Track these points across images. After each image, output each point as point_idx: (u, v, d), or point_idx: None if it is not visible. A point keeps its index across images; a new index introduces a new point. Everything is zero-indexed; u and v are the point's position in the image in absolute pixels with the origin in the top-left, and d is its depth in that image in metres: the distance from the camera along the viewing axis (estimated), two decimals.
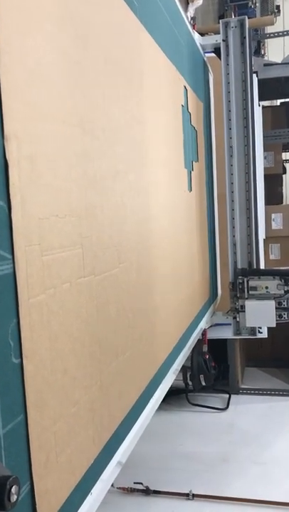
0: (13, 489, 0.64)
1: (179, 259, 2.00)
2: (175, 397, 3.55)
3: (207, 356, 3.62)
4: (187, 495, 2.35)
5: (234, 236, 2.81)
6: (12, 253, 0.74)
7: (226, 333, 3.07)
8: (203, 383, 3.67)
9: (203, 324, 2.63)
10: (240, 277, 2.74)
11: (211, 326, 2.98)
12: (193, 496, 2.35)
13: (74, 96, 0.98)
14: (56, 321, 0.87)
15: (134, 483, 2.42)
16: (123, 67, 1.30)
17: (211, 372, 3.69)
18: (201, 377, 3.65)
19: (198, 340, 2.85)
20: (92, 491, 1.00)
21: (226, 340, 3.83)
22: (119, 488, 2.51)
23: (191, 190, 2.28)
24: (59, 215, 0.89)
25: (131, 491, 2.43)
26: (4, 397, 0.70)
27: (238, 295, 2.76)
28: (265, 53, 7.24)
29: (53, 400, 0.84)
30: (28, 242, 0.78)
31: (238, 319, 2.80)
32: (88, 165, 1.04)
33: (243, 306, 2.74)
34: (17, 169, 0.76)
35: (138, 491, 2.42)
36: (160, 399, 1.60)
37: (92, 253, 1.04)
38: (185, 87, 2.20)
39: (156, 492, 2.41)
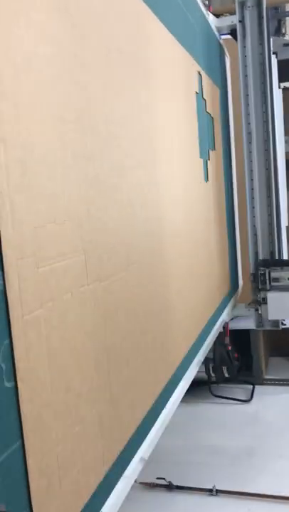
0: None
1: (197, 253, 1.92)
2: (198, 389, 3.49)
3: (229, 347, 3.55)
4: (211, 490, 2.29)
5: (254, 225, 2.70)
6: (1, 268, 0.67)
7: (249, 324, 3.00)
8: (226, 375, 3.60)
9: (224, 317, 2.56)
10: (261, 268, 2.65)
11: (232, 319, 2.90)
12: (217, 491, 2.29)
13: (70, 91, 0.91)
14: (56, 336, 0.81)
15: (157, 478, 2.38)
16: (129, 55, 1.22)
17: (234, 363, 3.62)
18: (224, 368, 3.59)
19: (221, 331, 2.79)
20: (102, 510, 0.95)
21: (248, 330, 3.75)
22: (142, 483, 2.47)
23: (207, 180, 2.19)
24: (56, 222, 0.83)
25: (153, 486, 2.39)
26: None
27: (260, 287, 2.67)
28: (285, 32, 7.00)
29: (54, 421, 0.79)
30: (20, 254, 0.72)
31: (260, 311, 2.72)
32: (89, 164, 0.97)
33: (265, 299, 2.65)
34: (5, 175, 0.69)
35: (161, 486, 2.39)
36: (182, 393, 1.57)
37: (97, 258, 0.98)
38: (199, 72, 2.10)
39: (179, 487, 2.37)
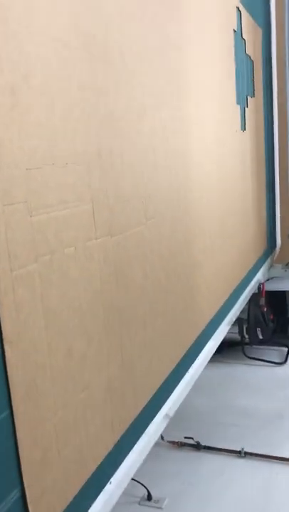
0: None
1: (230, 209, 1.78)
2: (231, 349, 3.42)
3: (265, 309, 3.44)
4: (239, 452, 2.24)
5: None
6: None
7: (286, 285, 2.86)
8: (261, 337, 3.51)
9: (259, 277, 2.43)
10: None
11: (268, 280, 2.77)
12: (245, 453, 2.23)
13: (76, 11, 0.77)
14: (55, 293, 0.72)
15: (185, 437, 2.35)
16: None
17: (269, 325, 3.51)
18: (258, 330, 3.49)
19: (255, 293, 2.67)
20: (111, 480, 0.88)
21: (285, 292, 3.60)
22: (170, 441, 2.45)
23: (244, 129, 2.01)
24: (56, 164, 0.72)
25: (181, 445, 2.36)
26: None
27: None
28: None
29: (52, 387, 0.71)
30: (8, 200, 0.62)
31: None
32: (99, 99, 0.84)
33: None
34: None
35: (188, 445, 2.36)
36: (211, 351, 1.53)
37: (108, 209, 0.87)
38: (238, 8, 1.89)
39: (207, 448, 2.33)
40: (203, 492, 1.87)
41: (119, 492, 0.90)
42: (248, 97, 2.09)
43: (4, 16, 0.62)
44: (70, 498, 0.75)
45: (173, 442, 2.50)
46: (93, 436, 0.82)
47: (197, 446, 2.38)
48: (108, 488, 0.87)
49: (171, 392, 1.22)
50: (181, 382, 1.28)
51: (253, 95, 2.17)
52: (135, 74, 0.98)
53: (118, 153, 0.91)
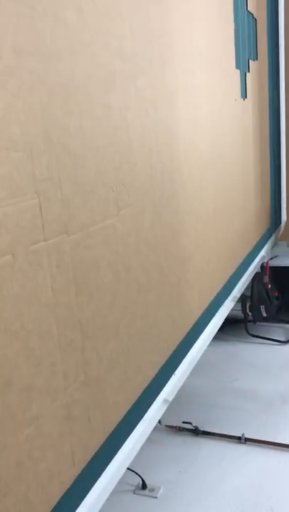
0: None
1: (227, 187, 1.61)
2: (233, 327, 3.32)
3: (269, 286, 3.33)
4: (239, 438, 2.16)
5: None
6: None
7: None
8: (264, 314, 3.41)
9: (263, 255, 2.28)
10: None
11: (272, 258, 2.62)
12: (246, 439, 2.15)
13: None
14: None
15: (183, 422, 2.27)
16: None
17: (274, 302, 3.41)
18: (262, 307, 3.39)
19: (258, 272, 2.54)
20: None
21: None
22: (167, 426, 2.37)
23: (245, 97, 1.82)
24: None
25: (179, 429, 2.28)
26: None
27: None
28: None
29: None
30: None
31: None
32: (48, 67, 0.67)
33: None
34: None
35: (186, 430, 2.28)
36: (214, 330, 1.48)
37: (62, 203, 0.71)
38: None
39: (206, 433, 2.25)
40: (200, 480, 1.80)
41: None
42: (250, 61, 1.88)
43: None
44: None
45: (171, 427, 2.41)
46: (46, 473, 0.69)
47: (195, 432, 2.29)
48: None
49: (170, 377, 1.16)
50: (181, 365, 1.22)
51: (255, 58, 1.96)
52: (99, 33, 0.80)
53: (76, 134, 0.75)
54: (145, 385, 1.02)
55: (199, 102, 1.32)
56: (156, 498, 1.73)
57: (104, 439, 0.85)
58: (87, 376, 0.79)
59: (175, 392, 1.17)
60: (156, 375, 1.07)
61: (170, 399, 1.13)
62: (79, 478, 0.77)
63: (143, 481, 1.69)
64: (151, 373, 1.05)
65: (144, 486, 1.66)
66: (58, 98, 0.70)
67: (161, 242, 1.07)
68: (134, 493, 1.74)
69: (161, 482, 1.80)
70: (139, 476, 1.72)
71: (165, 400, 1.13)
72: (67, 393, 0.74)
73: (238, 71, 1.72)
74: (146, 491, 1.69)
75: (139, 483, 1.68)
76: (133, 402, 0.96)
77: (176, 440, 2.28)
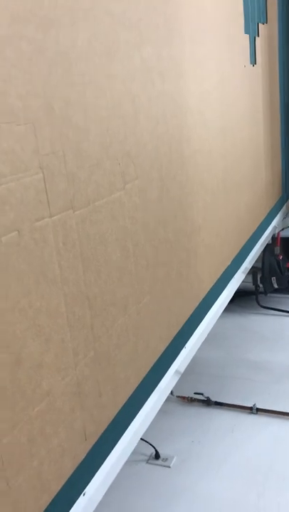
0: None
1: (237, 157, 1.58)
2: (244, 299, 3.30)
3: (280, 257, 3.30)
4: (251, 409, 2.17)
5: None
6: None
7: None
8: (276, 286, 3.39)
9: (274, 226, 2.25)
10: None
11: (284, 229, 2.59)
12: (257, 410, 2.16)
13: None
14: None
15: (195, 393, 2.29)
16: None
17: (285, 273, 3.38)
18: (273, 279, 3.37)
19: (269, 243, 2.52)
20: (85, 491, 0.77)
21: None
22: (179, 397, 2.39)
23: (255, 63, 1.76)
24: None
25: (191, 400, 2.30)
26: None
27: None
28: None
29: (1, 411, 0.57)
30: None
31: None
32: (48, 34, 0.65)
33: None
34: None
35: (198, 401, 2.30)
36: (225, 302, 1.49)
37: (67, 177, 0.70)
38: None
39: (218, 404, 2.26)
40: (212, 450, 1.82)
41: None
42: (259, 24, 1.81)
43: None
44: None
45: (182, 397, 2.43)
46: (58, 449, 0.70)
47: (207, 402, 2.31)
48: (81, 500, 0.76)
49: (181, 349, 1.17)
50: (192, 338, 1.23)
51: (265, 21, 1.89)
52: None
53: (79, 105, 0.73)
54: (155, 359, 1.02)
55: (207, 70, 1.28)
56: (169, 467, 1.75)
57: (115, 413, 0.85)
58: (96, 352, 0.78)
59: (186, 364, 1.17)
60: (166, 349, 1.07)
61: (182, 370, 1.14)
62: (91, 453, 0.78)
63: (156, 451, 1.72)
64: (161, 347, 1.05)
65: (157, 455, 1.68)
66: (58, 68, 0.68)
67: (169, 216, 1.05)
68: (147, 462, 1.77)
69: (174, 452, 1.82)
70: (153, 446, 1.74)
71: (176, 371, 1.13)
72: (78, 369, 0.74)
73: (247, 36, 1.66)
74: (159, 461, 1.71)
75: (152, 453, 1.70)
76: (144, 376, 0.96)
77: (188, 411, 2.30)
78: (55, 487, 0.69)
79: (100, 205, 0.78)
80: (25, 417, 0.62)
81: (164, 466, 1.74)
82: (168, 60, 1.03)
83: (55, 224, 0.67)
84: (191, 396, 2.34)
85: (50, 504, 0.68)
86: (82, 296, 0.74)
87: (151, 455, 1.73)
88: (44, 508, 0.67)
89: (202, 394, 2.31)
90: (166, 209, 1.03)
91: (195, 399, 2.35)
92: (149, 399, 0.99)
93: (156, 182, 0.99)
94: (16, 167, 0.60)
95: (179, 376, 1.12)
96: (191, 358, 1.22)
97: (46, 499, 0.67)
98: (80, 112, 0.72)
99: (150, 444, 1.72)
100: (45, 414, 0.66)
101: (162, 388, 1.04)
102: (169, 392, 1.11)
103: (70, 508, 0.73)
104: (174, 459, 1.77)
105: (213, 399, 2.33)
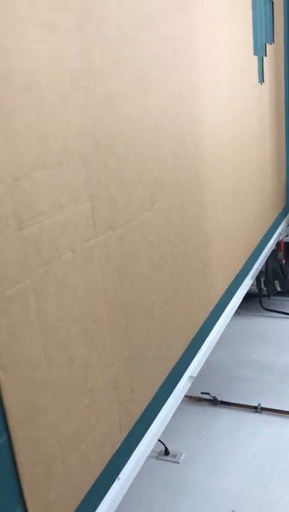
0: None
1: (245, 173, 1.69)
2: (248, 302, 3.39)
3: (283, 261, 3.39)
4: (255, 408, 2.26)
5: None
6: None
7: None
8: (279, 289, 3.47)
9: (278, 233, 2.36)
10: None
11: (288, 235, 2.69)
12: (262, 409, 2.25)
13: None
14: (53, 305, 0.68)
15: (202, 393, 2.38)
16: None
17: (288, 277, 3.47)
18: (276, 282, 3.46)
19: (273, 248, 2.62)
20: (119, 476, 0.88)
21: None
22: (187, 396, 2.48)
23: (263, 81, 1.87)
24: (48, 166, 0.65)
25: (198, 400, 2.39)
26: None
27: None
28: None
29: (53, 402, 0.68)
30: None
31: None
32: (97, 83, 0.76)
33: None
34: None
35: (205, 400, 2.39)
36: (235, 307, 1.59)
37: (109, 203, 0.81)
38: None
39: (224, 403, 2.35)
40: (219, 447, 1.90)
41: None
42: (267, 45, 1.92)
43: None
44: (76, 505, 0.74)
45: (190, 397, 2.53)
46: (100, 437, 0.81)
47: (214, 402, 2.41)
48: (116, 484, 0.87)
49: (195, 354, 1.26)
50: (205, 342, 1.33)
51: (272, 41, 2.01)
52: (136, 44, 0.88)
53: (120, 138, 0.84)
54: (176, 360, 1.13)
55: (220, 92, 1.39)
56: (178, 463, 1.85)
57: (144, 408, 0.96)
58: (129, 353, 0.90)
59: (199, 369, 1.27)
60: (184, 351, 1.18)
61: (195, 375, 1.23)
62: (124, 442, 0.89)
63: (166, 447, 1.80)
64: (181, 350, 1.16)
65: (166, 452, 1.78)
66: (105, 109, 0.79)
67: (188, 230, 1.16)
68: (157, 458, 1.86)
69: (183, 449, 1.92)
70: (162, 443, 1.83)
71: (190, 377, 1.22)
72: (114, 368, 0.85)
73: (256, 57, 1.77)
74: (168, 457, 1.78)
75: (162, 449, 1.79)
76: (166, 376, 1.08)
77: (195, 409, 2.39)
78: (98, 470, 0.81)
79: (134, 225, 0.89)
80: (76, 408, 0.74)
81: (174, 461, 1.84)
82: (187, 87, 1.14)
83: (100, 243, 0.78)
84: (198, 396, 2.44)
85: (93, 485, 0.79)
86: (118, 304, 0.85)
87: (160, 451, 1.82)
88: (88, 489, 0.78)
89: (209, 394, 2.41)
90: (185, 224, 1.14)
91: (202, 398, 2.45)
92: (167, 400, 1.10)
93: (177, 201, 1.10)
94: (72, 197, 0.71)
95: (192, 381, 1.23)
96: (204, 362, 1.31)
97: (90, 480, 0.79)
98: (119, 144, 0.84)
99: (160, 441, 1.81)
100: (90, 406, 0.78)
101: (178, 393, 1.16)
102: (186, 390, 1.21)
103: (107, 491, 0.85)
104: (183, 455, 1.87)
105: (220, 398, 2.43)
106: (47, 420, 0.67)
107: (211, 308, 1.36)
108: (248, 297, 3.45)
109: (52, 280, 0.67)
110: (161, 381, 1.06)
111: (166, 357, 1.08)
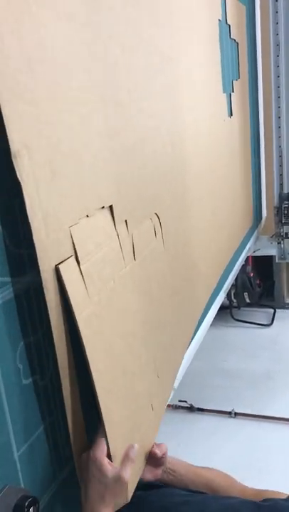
0: (31, 510, 0.64)
1: (221, 199, 1.88)
2: (219, 313, 3.57)
3: (252, 274, 3.59)
4: (230, 413, 2.39)
5: (280, 156, 2.62)
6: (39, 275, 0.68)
7: (272, 251, 2.99)
8: (248, 300, 3.67)
9: (247, 251, 2.56)
10: (285, 202, 2.60)
11: (255, 251, 2.90)
12: (236, 414, 2.39)
13: (89, 66, 0.82)
14: (108, 326, 0.83)
15: (179, 401, 2.49)
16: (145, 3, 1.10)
17: (256, 289, 3.67)
18: (245, 294, 3.65)
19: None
20: None
21: (272, 256, 3.74)
22: None
23: (231, 115, 2.08)
24: (89, 214, 0.81)
25: (176, 407, 2.50)
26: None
27: (283, 221, 2.64)
28: None
29: (115, 405, 0.84)
30: (57, 258, 0.71)
31: (282, 246, 2.71)
32: (116, 140, 0.91)
33: (288, 233, 2.64)
34: (33, 184, 0.65)
35: (182, 408, 2.51)
36: (211, 320, 1.74)
37: (129, 237, 0.97)
38: None
39: (200, 410, 2.48)
40: (197, 451, 2.01)
41: None
42: (234, 81, 2.14)
43: (32, 98, 0.69)
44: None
45: (168, 405, 2.67)
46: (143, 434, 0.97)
47: (191, 409, 2.54)
48: None
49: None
50: (187, 353, 1.44)
51: (238, 77, 2.22)
52: (139, 101, 1.03)
53: (131, 183, 0.99)
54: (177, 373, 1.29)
55: (199, 130, 1.57)
56: None
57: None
58: (155, 364, 1.06)
59: (179, 381, 1.35)
60: None
61: (176, 387, 1.31)
62: None
63: None
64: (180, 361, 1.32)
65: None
66: (121, 160, 0.94)
67: (181, 255, 1.33)
68: None
69: None
70: None
71: (173, 389, 1.31)
72: (148, 377, 1.00)
73: (225, 94, 1.97)
74: None
75: None
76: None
77: (173, 417, 2.52)
78: None
79: (146, 254, 1.05)
80: (129, 412, 0.89)
81: None
82: (175, 130, 1.29)
83: (128, 272, 0.94)
84: (175, 404, 2.58)
85: None
86: (145, 322, 1.01)
87: None
88: None
89: (186, 401, 2.56)
90: (179, 251, 1.30)
91: (179, 406, 2.59)
92: None
93: (172, 229, 1.25)
94: (106, 237, 0.86)
95: (173, 392, 1.30)
96: (184, 372, 1.41)
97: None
98: (132, 187, 0.99)
99: None
100: (138, 409, 0.93)
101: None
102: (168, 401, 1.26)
103: None
104: None
105: (196, 405, 2.58)
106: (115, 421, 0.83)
107: (196, 323, 1.53)
108: (220, 309, 3.63)
109: (104, 306, 0.82)
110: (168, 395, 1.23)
111: (172, 369, 1.24)
